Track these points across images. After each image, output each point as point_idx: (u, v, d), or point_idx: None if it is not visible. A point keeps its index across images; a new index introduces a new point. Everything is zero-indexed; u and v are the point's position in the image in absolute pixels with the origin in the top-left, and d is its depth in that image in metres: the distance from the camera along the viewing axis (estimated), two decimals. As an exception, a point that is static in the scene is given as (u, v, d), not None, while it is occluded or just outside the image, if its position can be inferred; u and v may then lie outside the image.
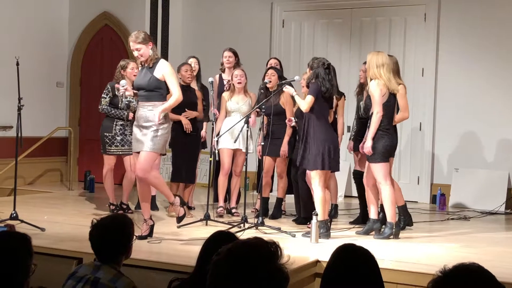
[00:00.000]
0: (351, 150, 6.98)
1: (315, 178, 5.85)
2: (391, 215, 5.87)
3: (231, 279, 1.67)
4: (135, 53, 5.53)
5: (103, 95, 7.11)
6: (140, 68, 5.67)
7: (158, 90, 5.53)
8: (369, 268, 2.50)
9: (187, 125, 6.81)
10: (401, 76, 6.43)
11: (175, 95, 5.50)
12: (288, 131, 6.83)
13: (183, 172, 7.01)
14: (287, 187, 7.05)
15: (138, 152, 5.55)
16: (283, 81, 6.83)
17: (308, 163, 5.89)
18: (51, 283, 3.38)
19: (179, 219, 5.67)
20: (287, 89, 6.26)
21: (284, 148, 6.80)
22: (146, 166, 5.46)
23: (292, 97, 6.32)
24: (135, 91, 5.73)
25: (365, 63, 6.76)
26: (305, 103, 5.85)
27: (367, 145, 5.88)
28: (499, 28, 8.46)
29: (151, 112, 5.48)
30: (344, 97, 6.92)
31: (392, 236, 5.86)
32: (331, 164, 5.84)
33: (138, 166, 5.50)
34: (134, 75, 7.15)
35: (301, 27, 9.69)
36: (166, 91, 5.58)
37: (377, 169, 5.88)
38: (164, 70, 5.51)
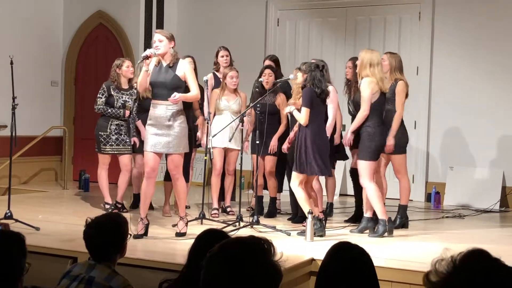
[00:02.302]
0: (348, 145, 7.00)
1: (294, 180, 5.90)
2: (381, 212, 5.88)
3: (224, 275, 1.68)
4: (155, 43, 5.54)
5: (98, 95, 7.09)
6: (153, 67, 5.60)
7: (179, 89, 5.56)
8: (364, 266, 2.50)
9: None
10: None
11: (194, 92, 5.61)
12: (281, 129, 6.88)
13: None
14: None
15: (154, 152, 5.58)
16: (278, 80, 6.84)
17: (295, 165, 5.94)
18: (45, 282, 3.38)
19: (180, 234, 5.66)
20: (288, 109, 6.20)
21: (274, 143, 6.86)
22: (180, 165, 5.65)
23: (291, 114, 6.24)
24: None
25: (351, 59, 6.80)
26: (301, 117, 5.85)
27: (346, 137, 5.99)
28: (494, 26, 8.47)
29: (174, 112, 5.52)
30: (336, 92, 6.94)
31: (386, 233, 5.87)
32: (315, 168, 5.85)
33: (174, 166, 5.61)
34: (130, 73, 7.17)
35: (296, 25, 9.69)
36: (184, 91, 5.62)
37: (364, 167, 5.91)
38: (185, 69, 5.61)
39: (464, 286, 1.47)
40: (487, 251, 1.56)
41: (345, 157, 7.19)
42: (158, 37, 5.58)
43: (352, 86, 6.72)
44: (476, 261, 1.53)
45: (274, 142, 6.87)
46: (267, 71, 6.95)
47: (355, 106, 6.39)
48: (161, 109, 5.53)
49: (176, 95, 5.45)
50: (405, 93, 6.31)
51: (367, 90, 5.86)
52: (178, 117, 5.56)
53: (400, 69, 6.32)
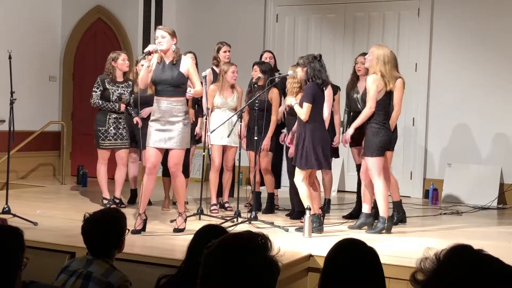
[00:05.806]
0: (346, 143, 6.96)
1: (298, 175, 5.89)
2: (384, 210, 5.89)
3: (223, 268, 1.69)
4: (158, 40, 5.56)
5: (93, 89, 7.09)
6: (156, 63, 5.61)
7: (183, 86, 5.63)
8: (374, 264, 2.50)
9: None
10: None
11: (198, 88, 5.67)
12: (272, 127, 6.81)
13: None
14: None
15: (159, 148, 5.60)
16: (276, 76, 6.82)
17: (295, 160, 5.93)
18: (43, 277, 3.37)
19: (178, 230, 5.66)
20: (288, 100, 6.18)
21: (266, 142, 6.79)
22: (180, 162, 5.66)
23: (292, 108, 6.19)
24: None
25: (362, 54, 6.73)
26: (302, 112, 5.85)
27: (348, 132, 5.94)
28: (493, 23, 8.47)
29: (178, 108, 5.56)
30: (339, 90, 6.92)
31: (384, 231, 5.87)
32: (314, 163, 5.85)
33: (173, 162, 5.61)
34: (126, 66, 7.16)
35: (295, 21, 9.68)
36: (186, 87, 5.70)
37: (372, 163, 5.90)
38: (188, 65, 5.64)
39: (451, 279, 1.48)
40: (469, 245, 1.57)
41: (337, 155, 7.10)
42: (160, 33, 5.60)
43: (359, 81, 6.70)
44: (460, 254, 1.55)
45: (266, 142, 6.78)
46: (254, 67, 6.94)
47: (363, 102, 6.38)
48: (165, 105, 5.56)
49: (191, 91, 5.60)
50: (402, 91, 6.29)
51: (373, 87, 5.85)
52: (182, 113, 5.60)
53: (396, 66, 6.26)
